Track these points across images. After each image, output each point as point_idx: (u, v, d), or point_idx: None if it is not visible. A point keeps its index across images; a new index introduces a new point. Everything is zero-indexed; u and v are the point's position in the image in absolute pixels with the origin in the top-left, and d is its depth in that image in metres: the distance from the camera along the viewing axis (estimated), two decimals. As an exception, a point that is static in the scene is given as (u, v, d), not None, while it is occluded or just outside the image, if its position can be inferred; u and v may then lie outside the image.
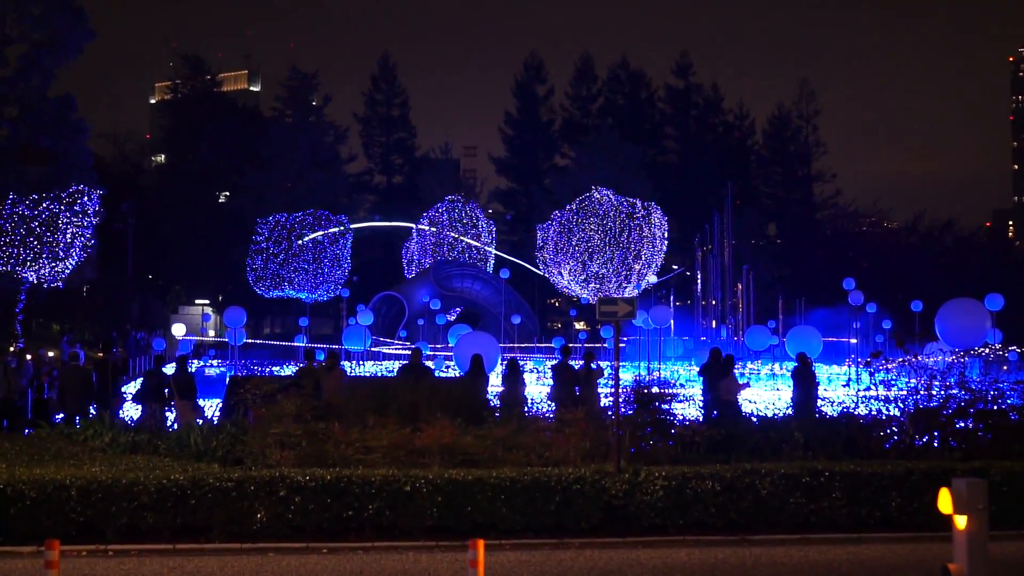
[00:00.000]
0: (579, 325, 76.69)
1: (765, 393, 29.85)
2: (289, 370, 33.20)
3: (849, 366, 38.26)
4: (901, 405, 17.35)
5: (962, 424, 16.74)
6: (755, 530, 14.17)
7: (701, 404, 22.31)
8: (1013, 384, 19.81)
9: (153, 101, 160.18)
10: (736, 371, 23.32)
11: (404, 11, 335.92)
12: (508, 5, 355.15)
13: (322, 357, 23.08)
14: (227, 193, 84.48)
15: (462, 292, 56.68)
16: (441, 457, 15.13)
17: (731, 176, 69.92)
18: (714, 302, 55.96)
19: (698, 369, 24.48)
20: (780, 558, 13.17)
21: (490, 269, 60.39)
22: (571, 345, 27.24)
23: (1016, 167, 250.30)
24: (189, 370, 23.40)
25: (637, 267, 53.73)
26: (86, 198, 47.12)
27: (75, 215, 46.62)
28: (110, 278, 64.79)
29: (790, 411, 20.84)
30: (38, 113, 56.54)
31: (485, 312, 57.10)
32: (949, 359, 24.79)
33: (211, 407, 22.62)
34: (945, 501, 9.54)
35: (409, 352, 24.78)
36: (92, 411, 21.18)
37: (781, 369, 38.37)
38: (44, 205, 46.00)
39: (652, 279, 54.85)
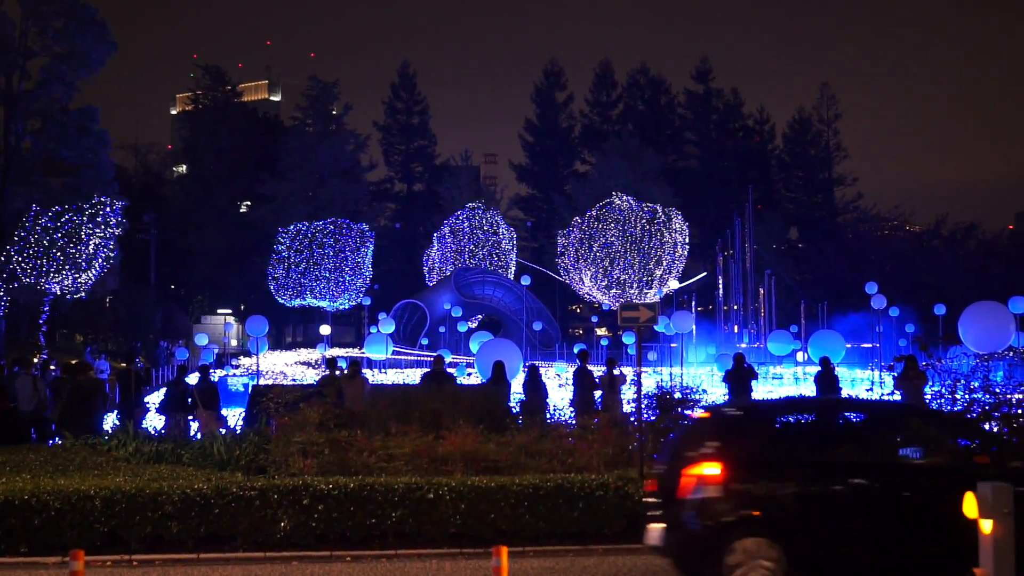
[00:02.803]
0: (601, 331, 76.68)
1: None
2: (312, 378, 33.25)
3: (872, 370, 38.06)
4: (925, 409, 17.22)
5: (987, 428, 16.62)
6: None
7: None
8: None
9: (174, 112, 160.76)
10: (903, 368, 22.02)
11: (423, 20, 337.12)
12: (527, 12, 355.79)
13: (344, 365, 23.06)
14: (248, 202, 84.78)
15: (483, 299, 56.70)
16: (464, 464, 15.09)
17: (752, 181, 69.74)
18: (736, 307, 55.80)
19: (722, 375, 24.38)
20: (805, 564, 13.07)
21: (511, 276, 60.42)
22: (587, 350, 27.22)
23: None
24: (212, 380, 23.47)
25: (658, 273, 53.70)
26: (108, 209, 47.46)
27: (97, 226, 46.95)
28: (133, 289, 65.19)
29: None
30: (60, 125, 56.93)
31: (506, 319, 57.13)
32: (973, 363, 24.60)
33: (234, 416, 22.66)
34: (971, 505, 9.43)
35: (431, 359, 24.79)
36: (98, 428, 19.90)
37: (804, 374, 38.22)
38: (67, 217, 46.35)
39: (674, 284, 54.79)
